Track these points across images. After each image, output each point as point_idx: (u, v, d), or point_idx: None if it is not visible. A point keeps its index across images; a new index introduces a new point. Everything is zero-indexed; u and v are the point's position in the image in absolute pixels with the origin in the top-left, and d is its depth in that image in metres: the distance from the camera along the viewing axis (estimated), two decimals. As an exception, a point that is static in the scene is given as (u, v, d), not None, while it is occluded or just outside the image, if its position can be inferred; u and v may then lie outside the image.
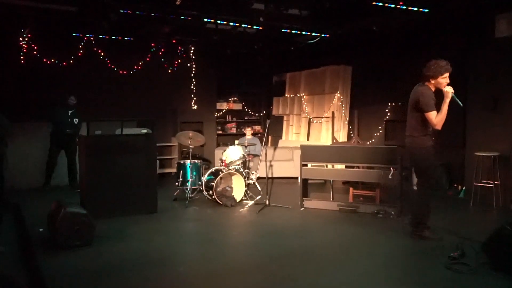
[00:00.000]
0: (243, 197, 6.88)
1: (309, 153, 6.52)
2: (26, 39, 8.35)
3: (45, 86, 8.38)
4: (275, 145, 10.73)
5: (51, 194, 7.49)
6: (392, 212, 5.90)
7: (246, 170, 7.32)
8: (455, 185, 7.54)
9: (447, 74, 4.55)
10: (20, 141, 7.85)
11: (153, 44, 9.74)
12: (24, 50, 8.34)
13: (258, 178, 7.71)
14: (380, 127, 9.07)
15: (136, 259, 4.31)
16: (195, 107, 10.57)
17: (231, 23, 7.96)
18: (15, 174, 7.77)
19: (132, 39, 9.27)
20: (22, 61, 8.32)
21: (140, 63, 9.60)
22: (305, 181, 6.67)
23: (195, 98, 10.54)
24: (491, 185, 6.34)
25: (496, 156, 6.34)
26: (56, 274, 3.88)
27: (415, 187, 5.33)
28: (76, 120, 7.91)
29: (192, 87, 10.48)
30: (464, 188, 7.18)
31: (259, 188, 7.27)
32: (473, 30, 7.01)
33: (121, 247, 4.70)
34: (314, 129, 10.10)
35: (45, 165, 7.96)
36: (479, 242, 4.15)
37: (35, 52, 8.43)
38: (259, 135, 11.46)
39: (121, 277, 3.88)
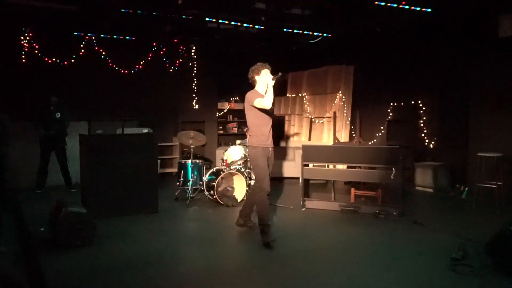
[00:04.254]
0: (244, 197, 6.86)
1: (310, 153, 6.51)
2: (27, 38, 8.34)
3: (46, 85, 8.37)
4: (276, 145, 10.69)
5: (52, 193, 7.49)
6: (394, 213, 5.87)
7: (247, 170, 7.31)
8: (457, 185, 7.51)
9: (266, 71, 5.01)
10: (21, 141, 7.83)
11: (154, 44, 9.72)
12: (26, 49, 8.33)
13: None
14: (382, 127, 9.05)
15: (137, 259, 4.30)
16: (197, 106, 10.55)
17: (232, 23, 7.96)
18: (16, 174, 7.76)
19: (133, 38, 9.26)
20: (23, 60, 8.31)
21: (142, 63, 9.59)
22: (306, 181, 6.65)
23: (196, 98, 10.52)
24: (494, 186, 6.30)
25: (499, 157, 6.30)
26: (57, 274, 3.88)
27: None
28: (58, 115, 7.73)
29: (193, 86, 10.47)
30: (466, 189, 7.15)
31: (261, 188, 7.24)
32: (476, 30, 6.99)
33: (122, 247, 4.69)
34: (316, 129, 10.07)
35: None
36: (482, 243, 4.14)
37: (36, 51, 8.42)
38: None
39: (122, 276, 3.88)
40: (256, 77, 5.06)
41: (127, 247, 4.70)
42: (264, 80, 4.99)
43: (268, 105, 4.83)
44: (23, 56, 8.31)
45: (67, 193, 7.63)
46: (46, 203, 6.04)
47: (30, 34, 8.35)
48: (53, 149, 7.82)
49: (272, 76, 4.94)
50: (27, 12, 7.38)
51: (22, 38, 8.29)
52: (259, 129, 4.95)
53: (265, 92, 4.93)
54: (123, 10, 7.07)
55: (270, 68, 5.06)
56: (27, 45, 8.34)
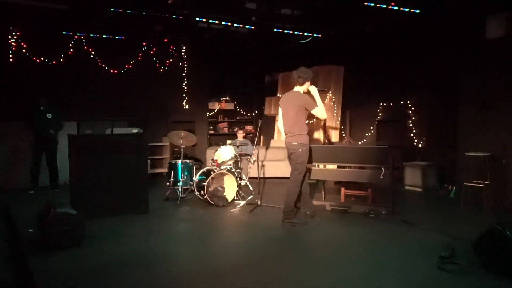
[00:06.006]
0: (234, 197, 6.87)
1: (301, 153, 6.51)
2: (15, 37, 8.25)
3: (34, 85, 8.29)
4: (267, 145, 10.71)
5: (40, 194, 7.42)
6: (384, 212, 5.92)
7: (238, 170, 7.31)
8: (446, 185, 7.59)
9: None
10: (8, 141, 7.75)
11: (144, 43, 9.68)
12: (13, 49, 8.25)
13: (250, 178, 7.70)
14: (371, 127, 9.12)
15: (127, 260, 4.28)
16: (187, 106, 10.54)
17: (223, 23, 7.95)
18: (3, 174, 7.68)
19: (123, 38, 9.22)
20: (10, 59, 8.22)
21: (132, 62, 9.55)
22: (297, 181, 6.65)
23: (186, 98, 10.51)
24: (481, 185, 6.39)
25: (486, 156, 6.39)
26: (46, 275, 3.84)
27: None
28: (49, 115, 7.72)
29: (183, 86, 10.45)
30: (455, 188, 7.23)
31: (251, 188, 7.26)
32: (464, 31, 7.07)
33: (112, 248, 4.66)
34: (306, 129, 10.10)
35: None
36: (470, 242, 4.18)
37: (24, 51, 8.34)
38: (251, 135, 11.46)
39: (112, 277, 3.85)
40: (306, 83, 5.64)
41: (117, 247, 4.67)
42: (306, 88, 5.66)
43: (323, 116, 5.65)
44: (11, 55, 8.22)
45: (56, 194, 7.56)
46: (35, 203, 5.97)
47: (18, 33, 8.27)
48: (44, 150, 7.75)
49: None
50: (15, 11, 7.30)
51: (9, 37, 8.21)
52: (305, 128, 5.57)
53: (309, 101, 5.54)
54: (112, 9, 7.03)
55: None
56: (15, 44, 8.26)
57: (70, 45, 8.80)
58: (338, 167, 7.22)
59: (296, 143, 5.53)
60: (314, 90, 5.62)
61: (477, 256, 4.00)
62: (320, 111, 5.50)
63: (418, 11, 6.95)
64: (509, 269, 3.68)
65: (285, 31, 8.53)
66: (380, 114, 8.98)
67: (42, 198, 6.13)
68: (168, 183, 7.13)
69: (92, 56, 9.06)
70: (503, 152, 6.39)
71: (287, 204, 5.57)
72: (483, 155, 6.41)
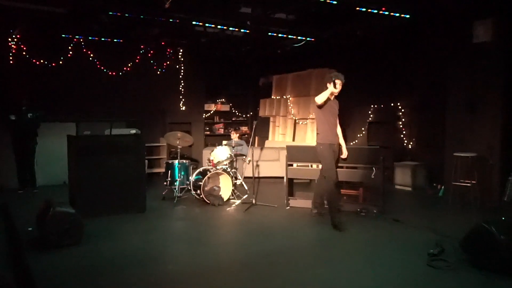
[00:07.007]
0: (230, 196, 6.99)
1: (294, 154, 6.66)
2: (15, 39, 8.36)
3: (33, 86, 8.39)
4: (261, 145, 10.87)
5: (39, 193, 7.51)
6: (375, 211, 6.06)
7: (233, 170, 7.44)
8: (435, 184, 7.76)
9: (337, 81, 5.44)
10: (8, 141, 7.84)
11: (142, 46, 9.79)
12: (13, 51, 8.35)
13: (245, 178, 7.84)
14: (363, 128, 9.27)
15: (125, 258, 4.36)
16: (184, 108, 10.66)
17: (219, 26, 8.07)
18: (3, 174, 7.77)
19: (121, 41, 9.33)
20: (10, 62, 8.32)
21: (130, 65, 9.65)
22: (290, 181, 6.79)
23: (183, 99, 10.63)
24: (469, 185, 6.57)
25: (473, 157, 6.56)
26: (45, 273, 3.90)
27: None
28: (30, 115, 7.72)
29: (180, 88, 10.57)
30: (443, 187, 7.39)
31: (246, 188, 7.39)
32: (452, 36, 7.24)
33: (110, 246, 4.74)
34: (300, 130, 10.27)
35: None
36: (458, 239, 4.29)
37: (24, 53, 8.44)
38: (245, 135, 11.61)
39: (110, 275, 3.92)
40: (327, 84, 5.51)
41: (115, 246, 4.74)
42: (329, 89, 5.48)
43: (316, 100, 5.42)
44: (11, 58, 8.32)
45: (58, 192, 7.65)
46: (34, 202, 6.04)
47: (18, 36, 8.37)
48: (24, 148, 7.81)
49: (338, 89, 5.49)
50: (15, 14, 7.40)
51: (9, 39, 8.31)
52: (323, 127, 5.54)
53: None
54: (111, 13, 7.15)
55: (342, 79, 5.50)
56: (14, 46, 8.36)
57: (69, 47, 8.90)
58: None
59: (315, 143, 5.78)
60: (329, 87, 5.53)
61: (465, 253, 4.11)
62: (316, 98, 5.47)
63: (408, 16, 7.14)
64: (495, 265, 3.80)
65: (279, 35, 8.67)
66: (371, 115, 9.14)
67: (36, 198, 6.19)
68: (165, 183, 7.24)
69: (91, 58, 9.17)
70: (489, 153, 6.57)
71: (330, 204, 5.57)
72: (470, 155, 6.57)
